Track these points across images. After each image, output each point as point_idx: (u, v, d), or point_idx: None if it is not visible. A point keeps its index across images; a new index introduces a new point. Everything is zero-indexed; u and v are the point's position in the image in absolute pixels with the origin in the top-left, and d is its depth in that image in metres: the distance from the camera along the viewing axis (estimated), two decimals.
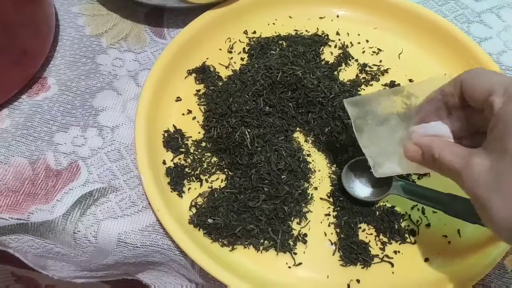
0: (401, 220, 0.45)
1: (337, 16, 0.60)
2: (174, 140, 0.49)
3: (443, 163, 0.34)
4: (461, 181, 0.33)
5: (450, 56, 0.56)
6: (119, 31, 0.57)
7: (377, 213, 0.45)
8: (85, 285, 0.57)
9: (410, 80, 0.55)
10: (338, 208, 0.46)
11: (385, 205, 0.46)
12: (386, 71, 0.55)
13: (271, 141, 0.48)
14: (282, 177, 0.46)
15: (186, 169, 0.47)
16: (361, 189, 0.46)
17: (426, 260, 0.43)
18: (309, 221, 0.45)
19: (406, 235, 0.44)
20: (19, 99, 0.51)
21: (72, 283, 0.55)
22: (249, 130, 0.47)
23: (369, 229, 0.45)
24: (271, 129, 0.48)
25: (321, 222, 0.45)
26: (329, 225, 0.45)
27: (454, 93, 0.37)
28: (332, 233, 0.45)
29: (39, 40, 0.51)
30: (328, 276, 0.43)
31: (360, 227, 0.45)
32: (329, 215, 0.46)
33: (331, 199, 0.47)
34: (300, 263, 0.43)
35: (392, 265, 0.43)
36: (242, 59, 0.56)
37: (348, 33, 0.59)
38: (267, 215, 0.44)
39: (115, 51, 0.56)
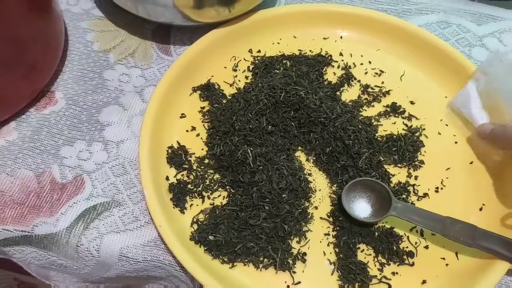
0: (400, 241, 0.46)
1: (341, 37, 0.61)
2: (177, 157, 0.50)
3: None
4: None
5: (451, 79, 0.57)
6: (127, 47, 0.58)
7: (376, 234, 0.46)
8: None
9: (411, 102, 0.56)
10: (337, 228, 0.47)
11: (384, 226, 0.47)
12: (388, 92, 0.56)
13: (273, 160, 0.48)
14: (283, 195, 0.46)
15: (189, 186, 0.48)
16: (360, 210, 0.47)
17: (424, 282, 0.44)
18: (309, 240, 0.46)
19: (405, 257, 0.45)
20: (27, 113, 0.52)
21: None
22: (251, 148, 0.48)
23: (368, 250, 0.45)
24: (273, 148, 0.49)
25: (321, 242, 0.46)
26: (328, 245, 0.46)
27: None
28: (331, 253, 0.45)
29: (49, 55, 0.52)
30: None
31: (359, 248, 0.45)
32: (328, 234, 0.46)
33: (331, 219, 0.47)
34: (299, 282, 0.43)
35: (390, 286, 0.43)
36: (246, 77, 0.57)
37: (351, 54, 0.60)
38: (267, 233, 0.45)
39: (122, 67, 0.57)
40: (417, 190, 0.49)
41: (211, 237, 0.45)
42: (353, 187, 0.47)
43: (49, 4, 0.50)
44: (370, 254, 0.45)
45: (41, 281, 0.82)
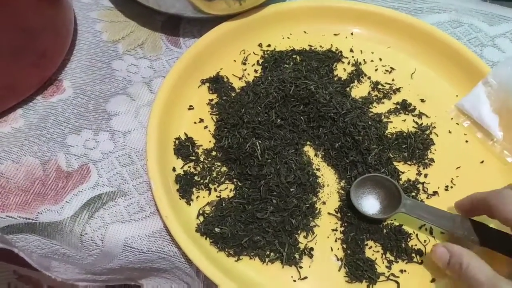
0: (409, 239, 0.45)
1: (352, 34, 0.61)
2: (184, 148, 0.49)
3: (469, 275, 0.37)
4: None
5: (462, 78, 0.56)
6: (136, 38, 0.58)
7: (385, 231, 0.45)
8: None
9: (422, 100, 0.55)
10: (345, 224, 0.46)
11: (393, 223, 0.46)
12: (398, 90, 0.56)
13: (281, 153, 0.48)
14: (291, 190, 0.46)
15: (195, 177, 0.48)
16: (369, 206, 0.46)
17: (433, 280, 0.43)
18: (316, 235, 0.45)
19: (413, 255, 0.44)
20: (34, 100, 0.51)
21: (74, 286, 0.55)
22: (260, 141, 0.47)
23: (376, 247, 0.45)
24: (281, 142, 0.49)
25: (328, 237, 0.45)
26: (335, 241, 0.45)
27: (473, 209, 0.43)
28: (338, 249, 0.45)
29: (58, 44, 0.52)
30: None
31: (367, 244, 0.45)
32: (336, 230, 0.46)
33: (338, 215, 0.47)
34: (306, 277, 0.43)
35: (398, 284, 0.43)
36: (255, 71, 0.56)
37: (361, 51, 0.59)
38: (274, 227, 0.44)
39: (131, 58, 0.56)
40: (427, 188, 0.49)
41: (217, 229, 0.44)
42: (362, 183, 0.46)
43: None
44: (378, 251, 0.45)
45: (42, 275, 0.82)
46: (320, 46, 0.59)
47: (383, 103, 0.55)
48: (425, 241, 0.45)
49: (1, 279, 0.85)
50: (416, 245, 0.45)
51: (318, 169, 0.49)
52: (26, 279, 0.86)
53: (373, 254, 0.44)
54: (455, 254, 0.39)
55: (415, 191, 0.48)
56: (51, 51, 0.51)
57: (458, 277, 0.38)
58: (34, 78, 0.50)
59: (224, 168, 0.49)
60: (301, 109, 0.51)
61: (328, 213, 0.47)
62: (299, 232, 0.45)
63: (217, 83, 0.55)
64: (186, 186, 0.47)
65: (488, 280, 0.35)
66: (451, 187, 0.49)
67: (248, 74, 0.56)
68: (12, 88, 0.48)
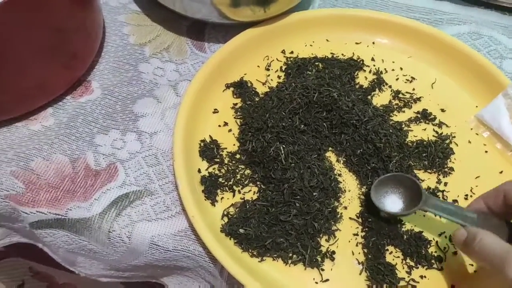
0: (429, 245, 0.46)
1: (373, 43, 0.62)
2: (209, 150, 0.50)
3: (483, 248, 0.37)
4: (500, 270, 0.34)
5: (482, 89, 0.57)
6: (162, 42, 0.59)
7: (405, 237, 0.46)
8: (102, 286, 0.58)
9: (442, 110, 0.56)
10: (366, 229, 0.47)
11: (413, 229, 0.47)
12: (418, 99, 0.57)
13: (304, 158, 0.49)
14: (314, 194, 0.47)
15: (220, 179, 0.49)
16: (390, 205, 0.46)
17: (452, 287, 0.44)
18: (338, 239, 0.46)
19: (433, 261, 0.45)
20: (64, 100, 0.53)
21: (90, 282, 0.56)
22: (284, 146, 0.48)
23: (396, 252, 0.46)
24: (304, 147, 0.50)
25: (349, 241, 0.46)
26: (357, 245, 0.46)
27: (497, 203, 0.41)
28: (359, 253, 0.45)
29: (88, 45, 0.53)
30: None
31: (387, 249, 0.46)
32: (357, 235, 0.47)
33: (360, 220, 0.47)
34: (327, 280, 0.44)
35: None
36: (278, 77, 0.58)
37: (383, 60, 0.60)
38: (297, 230, 0.45)
39: (157, 61, 0.58)
40: (446, 197, 0.49)
41: (241, 230, 0.45)
42: (383, 182, 0.47)
43: None
44: (398, 257, 0.45)
45: (57, 272, 0.83)
46: (342, 54, 0.60)
47: (403, 111, 0.56)
48: (444, 248, 0.46)
49: (16, 276, 0.87)
50: (435, 251, 0.46)
51: (339, 175, 0.50)
52: (41, 276, 0.87)
53: (393, 259, 0.45)
54: (471, 231, 0.39)
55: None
56: (81, 52, 0.52)
57: (473, 252, 0.38)
58: (64, 78, 0.51)
59: (248, 171, 0.50)
60: (324, 115, 0.52)
61: (350, 218, 0.48)
62: (321, 235, 0.46)
63: (241, 88, 0.56)
64: (211, 187, 0.48)
65: (503, 252, 0.35)
66: (471, 196, 0.49)
67: (272, 79, 0.57)
68: (44, 88, 0.50)
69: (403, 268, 0.45)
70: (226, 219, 0.46)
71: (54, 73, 0.49)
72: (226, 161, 0.50)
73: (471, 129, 0.55)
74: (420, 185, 0.45)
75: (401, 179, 0.47)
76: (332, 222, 0.47)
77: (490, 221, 0.42)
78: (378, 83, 0.58)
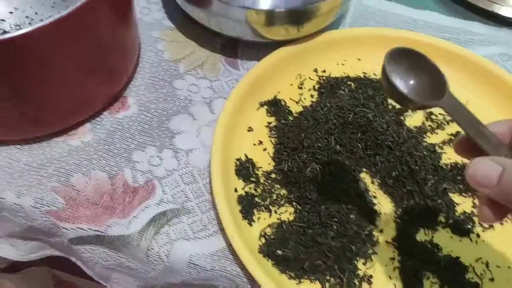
0: (465, 272, 0.46)
1: None
2: (245, 169, 0.51)
3: None
4: None
5: None
6: (196, 59, 0.60)
7: (442, 262, 0.46)
8: None
9: None
10: (403, 253, 0.47)
11: (450, 254, 0.47)
12: (451, 120, 0.57)
13: (340, 179, 0.49)
14: (351, 216, 0.47)
15: (256, 199, 0.49)
16: (406, 86, 0.36)
17: None
18: (374, 263, 0.46)
19: None
20: (101, 115, 0.53)
21: None
22: (320, 166, 0.49)
23: (433, 278, 0.46)
24: (340, 168, 0.50)
25: (386, 265, 0.46)
26: (394, 269, 0.46)
27: None
28: (396, 277, 0.46)
29: (126, 61, 0.54)
30: None
31: (424, 275, 0.46)
32: (394, 259, 0.47)
33: (396, 243, 0.48)
34: None
35: None
36: (312, 96, 0.58)
37: None
38: (335, 252, 0.45)
39: (191, 77, 0.58)
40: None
41: (279, 252, 0.45)
42: (399, 57, 0.36)
43: (130, 13, 0.52)
44: (436, 283, 0.45)
45: (81, 281, 0.83)
46: (374, 74, 0.61)
47: (436, 133, 0.56)
48: (481, 274, 0.46)
49: (40, 284, 0.87)
50: (472, 278, 0.46)
51: (374, 197, 0.50)
52: (65, 286, 0.87)
53: (431, 286, 0.45)
54: (509, 164, 0.28)
55: (471, 223, 0.49)
56: (119, 68, 0.53)
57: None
58: (103, 94, 0.52)
59: (283, 191, 0.50)
60: (358, 136, 0.52)
61: (386, 242, 0.48)
62: (358, 258, 0.46)
63: (275, 106, 0.56)
64: (248, 207, 0.48)
65: None
66: (506, 221, 0.49)
67: (305, 98, 0.58)
68: (84, 103, 0.50)
69: None
70: (263, 240, 0.47)
71: (94, 89, 0.50)
72: (261, 181, 0.50)
73: None
74: (445, 77, 0.37)
75: (420, 59, 0.37)
76: (369, 245, 0.47)
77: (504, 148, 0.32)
78: None
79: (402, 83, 0.36)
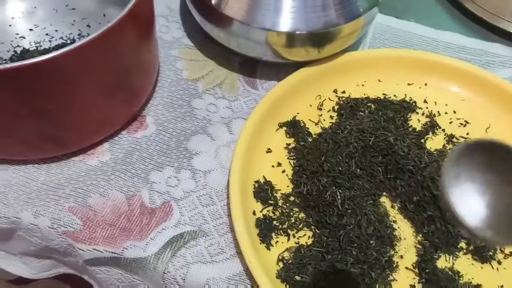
0: None
1: (425, 84, 0.61)
2: (264, 192, 0.50)
3: None
4: None
5: None
6: (215, 78, 0.60)
7: None
8: None
9: None
10: (423, 280, 0.46)
11: (471, 282, 0.46)
12: None
13: (360, 204, 0.48)
14: (371, 242, 0.46)
15: (274, 222, 0.48)
16: (471, 208, 0.24)
17: None
18: None
19: None
20: (119, 135, 0.53)
21: None
22: (340, 191, 0.48)
23: None
24: (360, 192, 0.49)
25: None
26: None
27: None
28: None
29: (146, 81, 0.54)
30: None
31: None
32: (414, 286, 0.46)
33: (416, 270, 0.46)
34: None
35: None
36: (331, 117, 0.57)
37: (435, 102, 0.60)
38: (354, 280, 0.44)
39: (210, 97, 0.58)
40: (504, 247, 0.48)
41: (297, 277, 0.44)
42: (467, 157, 0.25)
43: (152, 34, 0.52)
44: None
45: None
46: (394, 95, 0.60)
47: None
48: None
49: None
50: None
51: (394, 221, 0.49)
52: None
53: None
54: None
55: (492, 250, 0.48)
56: (140, 88, 0.53)
57: None
58: (123, 114, 0.52)
59: (302, 215, 0.49)
60: (379, 159, 0.51)
61: (406, 268, 0.47)
62: (377, 285, 0.45)
63: (294, 128, 0.56)
64: (266, 230, 0.47)
65: None
66: None
67: (324, 119, 0.57)
68: (104, 123, 0.50)
69: None
70: (281, 264, 0.46)
71: (114, 109, 0.50)
72: (280, 203, 0.50)
73: None
74: None
75: (496, 155, 0.25)
76: (389, 272, 0.46)
77: None
78: (432, 126, 0.57)
79: (469, 205, 0.23)
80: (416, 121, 0.58)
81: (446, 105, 0.59)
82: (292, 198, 0.50)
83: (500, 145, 0.23)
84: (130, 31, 0.44)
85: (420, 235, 0.49)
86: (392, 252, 0.47)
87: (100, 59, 0.42)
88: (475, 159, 0.24)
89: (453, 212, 0.23)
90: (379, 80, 0.61)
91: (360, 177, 0.50)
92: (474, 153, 0.24)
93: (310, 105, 0.58)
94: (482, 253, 0.47)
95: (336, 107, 0.58)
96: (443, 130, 0.57)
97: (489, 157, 0.23)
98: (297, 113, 0.57)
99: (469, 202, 0.23)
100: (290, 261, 0.46)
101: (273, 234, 0.48)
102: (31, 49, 0.60)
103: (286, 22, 0.53)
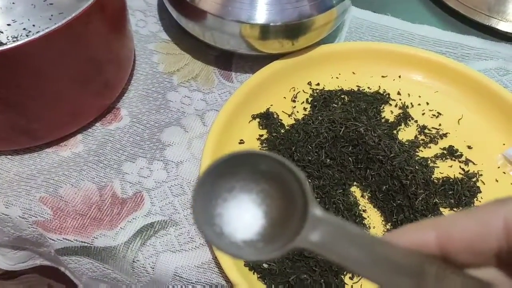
0: None
1: (399, 77, 0.62)
2: None
3: None
4: None
5: (509, 127, 0.57)
6: (190, 71, 0.60)
7: None
8: None
9: (469, 147, 0.55)
10: None
11: None
12: (445, 135, 0.56)
13: (329, 193, 0.49)
14: None
15: None
16: (241, 225, 0.22)
17: None
18: (361, 277, 0.45)
19: None
20: (93, 127, 0.54)
21: None
22: (309, 180, 0.48)
23: None
24: (330, 181, 0.50)
25: None
26: None
27: (482, 243, 0.20)
28: None
29: (120, 74, 0.54)
30: None
31: None
32: None
33: None
34: None
35: None
36: (304, 109, 0.58)
37: (409, 94, 0.60)
38: (321, 267, 0.45)
39: (185, 90, 0.58)
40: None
41: (265, 265, 0.45)
42: (227, 167, 0.23)
43: (125, 26, 0.52)
44: None
45: None
46: (368, 88, 0.60)
47: (429, 147, 0.55)
48: None
49: None
50: None
51: (364, 211, 0.50)
52: None
53: None
54: None
55: None
56: (113, 80, 0.53)
57: None
58: (96, 106, 0.52)
59: None
60: (349, 150, 0.52)
61: None
62: (344, 273, 0.45)
63: (267, 119, 0.56)
64: None
65: None
66: None
67: (298, 111, 0.58)
68: (76, 115, 0.51)
69: None
70: None
71: (87, 101, 0.51)
72: None
73: (498, 167, 0.54)
74: (306, 188, 0.21)
75: (268, 165, 0.22)
76: None
77: (448, 282, 0.20)
78: (404, 117, 0.58)
79: (245, 217, 0.22)
80: (389, 113, 0.58)
81: (419, 97, 0.60)
82: None
83: (263, 155, 0.22)
84: (99, 22, 0.45)
85: (389, 224, 0.49)
86: None
87: (66, 49, 0.43)
88: (248, 169, 0.22)
89: (208, 235, 0.21)
90: (354, 73, 0.62)
91: (330, 167, 0.51)
92: (247, 164, 0.22)
93: (284, 97, 0.59)
94: None
95: (310, 99, 0.59)
96: (416, 121, 0.58)
97: (261, 168, 0.22)
98: (271, 105, 0.58)
99: (245, 214, 0.22)
100: None
101: None
102: (8, 43, 0.60)
103: (260, 14, 0.54)
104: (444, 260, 0.20)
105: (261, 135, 0.55)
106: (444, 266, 0.20)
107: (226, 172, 0.22)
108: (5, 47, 0.38)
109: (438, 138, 0.56)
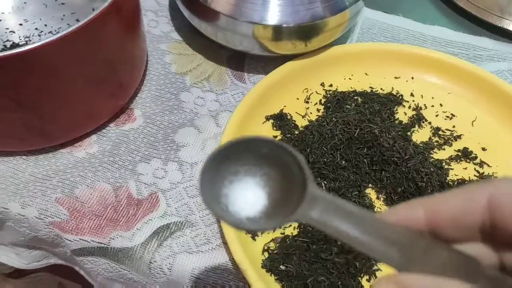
0: None
1: (412, 78, 0.62)
2: None
3: None
4: None
5: None
6: (203, 71, 0.60)
7: None
8: None
9: (483, 149, 0.55)
10: None
11: None
12: (459, 137, 0.56)
13: (345, 195, 0.49)
14: None
15: None
16: (244, 203, 0.24)
17: None
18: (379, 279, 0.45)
19: None
20: (107, 127, 0.54)
21: None
22: (325, 182, 0.48)
23: None
24: (345, 183, 0.50)
25: None
26: None
27: (466, 221, 0.22)
28: None
29: (133, 74, 0.54)
30: None
31: None
32: None
33: None
34: None
35: None
36: (318, 110, 0.58)
37: (422, 95, 0.60)
38: (339, 269, 0.45)
39: (198, 90, 0.58)
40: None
41: (282, 267, 0.45)
42: (235, 153, 0.24)
43: (139, 27, 0.52)
44: None
45: None
46: (381, 89, 0.60)
47: (443, 149, 0.55)
48: None
49: None
50: None
51: (379, 212, 0.50)
52: None
53: None
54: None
55: None
56: (127, 81, 0.53)
57: None
58: (110, 107, 0.52)
59: None
60: (364, 151, 0.51)
61: None
62: (362, 275, 0.45)
63: (281, 120, 0.56)
64: None
65: None
66: None
67: (311, 112, 0.57)
68: (91, 116, 0.51)
69: None
70: (266, 254, 0.46)
71: (101, 102, 0.51)
72: None
73: None
74: (305, 167, 0.23)
75: (270, 150, 0.24)
76: (373, 262, 0.46)
77: (437, 252, 0.21)
78: (418, 119, 0.58)
79: (249, 198, 0.24)
80: (403, 114, 0.58)
81: (433, 98, 0.60)
82: None
83: (267, 141, 0.25)
84: (114, 24, 0.45)
85: None
86: None
87: (83, 51, 0.42)
88: (252, 154, 0.24)
89: (217, 211, 0.23)
90: (366, 74, 0.62)
91: (345, 169, 0.51)
92: (250, 149, 0.25)
93: (297, 98, 0.59)
94: None
95: (323, 100, 0.59)
96: (429, 123, 0.58)
97: (263, 152, 0.24)
98: (284, 106, 0.58)
99: (249, 195, 0.24)
100: (275, 251, 0.46)
101: None
102: (20, 43, 0.60)
103: (273, 15, 0.54)
104: (433, 236, 0.22)
105: (275, 136, 0.55)
106: (432, 240, 0.22)
107: (231, 157, 0.24)
108: (22, 49, 0.38)
109: (452, 140, 0.56)
